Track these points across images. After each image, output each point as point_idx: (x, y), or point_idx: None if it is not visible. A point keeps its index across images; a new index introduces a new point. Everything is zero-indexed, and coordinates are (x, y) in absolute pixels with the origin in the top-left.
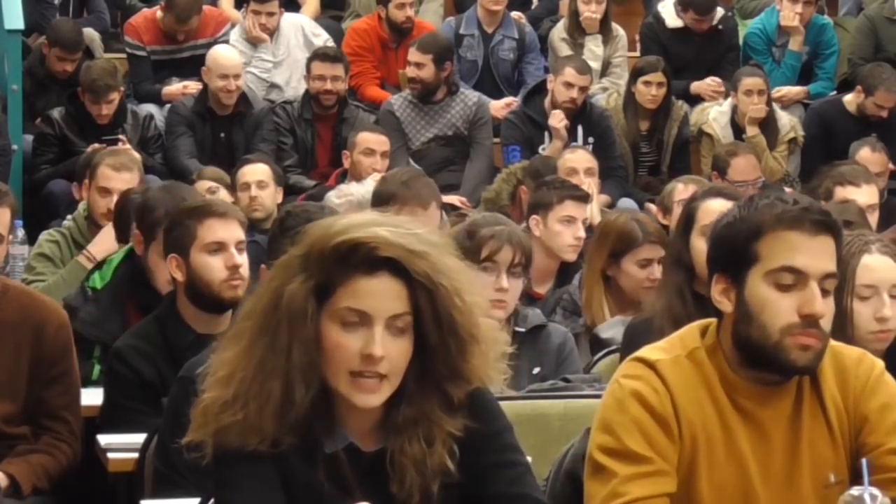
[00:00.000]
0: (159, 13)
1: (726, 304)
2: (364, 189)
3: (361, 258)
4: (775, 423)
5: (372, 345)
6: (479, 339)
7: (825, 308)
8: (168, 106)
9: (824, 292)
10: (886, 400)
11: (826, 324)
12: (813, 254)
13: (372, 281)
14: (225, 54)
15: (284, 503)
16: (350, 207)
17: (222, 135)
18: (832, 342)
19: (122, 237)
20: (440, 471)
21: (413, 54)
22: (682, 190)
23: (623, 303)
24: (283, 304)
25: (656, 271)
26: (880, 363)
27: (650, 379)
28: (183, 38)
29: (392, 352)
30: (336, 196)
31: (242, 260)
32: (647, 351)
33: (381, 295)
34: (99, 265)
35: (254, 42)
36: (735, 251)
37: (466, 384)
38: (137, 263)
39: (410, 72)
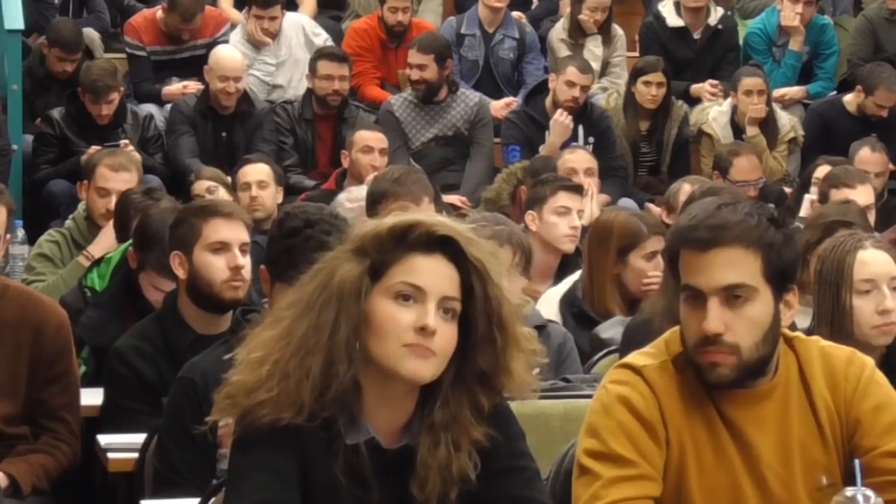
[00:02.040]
0: (160, 14)
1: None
2: None
3: (417, 237)
4: (759, 428)
5: (425, 317)
6: (521, 342)
7: (723, 323)
8: (168, 106)
9: (736, 300)
10: (879, 401)
11: (735, 337)
12: (704, 269)
13: (428, 260)
14: (227, 55)
15: (296, 496)
16: (362, 213)
17: (224, 134)
18: (821, 342)
19: (122, 237)
20: (461, 478)
21: (414, 56)
22: (688, 190)
23: (626, 300)
24: (334, 282)
25: (661, 263)
26: (871, 362)
27: (637, 384)
28: (187, 38)
29: (443, 333)
30: (348, 200)
31: (245, 262)
32: (634, 357)
33: (435, 273)
34: (97, 262)
35: (256, 45)
36: (671, 269)
37: (498, 392)
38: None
39: (413, 74)
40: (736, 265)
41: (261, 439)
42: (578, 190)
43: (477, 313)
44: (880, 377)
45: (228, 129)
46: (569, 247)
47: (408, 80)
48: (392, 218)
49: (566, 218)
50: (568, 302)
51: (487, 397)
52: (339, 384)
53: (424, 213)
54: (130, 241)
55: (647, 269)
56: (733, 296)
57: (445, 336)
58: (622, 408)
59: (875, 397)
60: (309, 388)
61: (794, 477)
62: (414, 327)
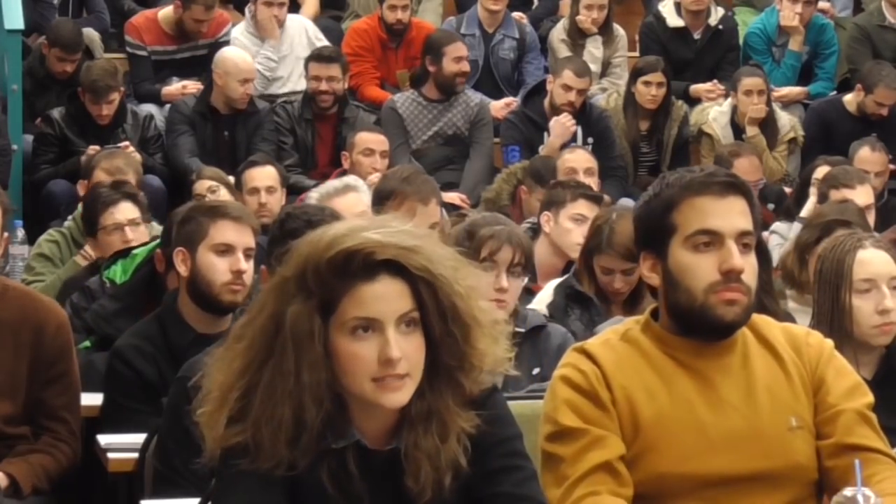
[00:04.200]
0: (162, 14)
1: (654, 279)
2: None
3: (358, 265)
4: (721, 373)
5: (388, 349)
6: (481, 322)
7: (743, 262)
8: (168, 105)
9: (744, 248)
10: (839, 368)
11: (749, 279)
12: (724, 214)
13: (374, 286)
14: (243, 57)
15: (283, 502)
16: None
17: (226, 133)
18: (780, 324)
19: (88, 230)
20: (452, 466)
21: (461, 49)
22: None
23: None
24: (286, 327)
25: (616, 282)
26: (829, 340)
27: (576, 362)
28: (205, 32)
29: (408, 350)
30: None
31: (247, 267)
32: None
33: (385, 298)
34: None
35: (261, 37)
36: (654, 226)
37: (478, 373)
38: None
39: (463, 66)
40: (746, 214)
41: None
42: (598, 200)
43: (431, 319)
44: (838, 354)
45: (230, 128)
46: (577, 255)
47: (454, 76)
48: (329, 247)
49: (582, 226)
50: (563, 285)
51: (469, 379)
52: (311, 430)
53: (361, 234)
54: (158, 241)
55: (602, 279)
56: (742, 243)
57: (412, 350)
58: (564, 386)
59: (836, 365)
60: (283, 439)
61: (760, 416)
62: (378, 360)
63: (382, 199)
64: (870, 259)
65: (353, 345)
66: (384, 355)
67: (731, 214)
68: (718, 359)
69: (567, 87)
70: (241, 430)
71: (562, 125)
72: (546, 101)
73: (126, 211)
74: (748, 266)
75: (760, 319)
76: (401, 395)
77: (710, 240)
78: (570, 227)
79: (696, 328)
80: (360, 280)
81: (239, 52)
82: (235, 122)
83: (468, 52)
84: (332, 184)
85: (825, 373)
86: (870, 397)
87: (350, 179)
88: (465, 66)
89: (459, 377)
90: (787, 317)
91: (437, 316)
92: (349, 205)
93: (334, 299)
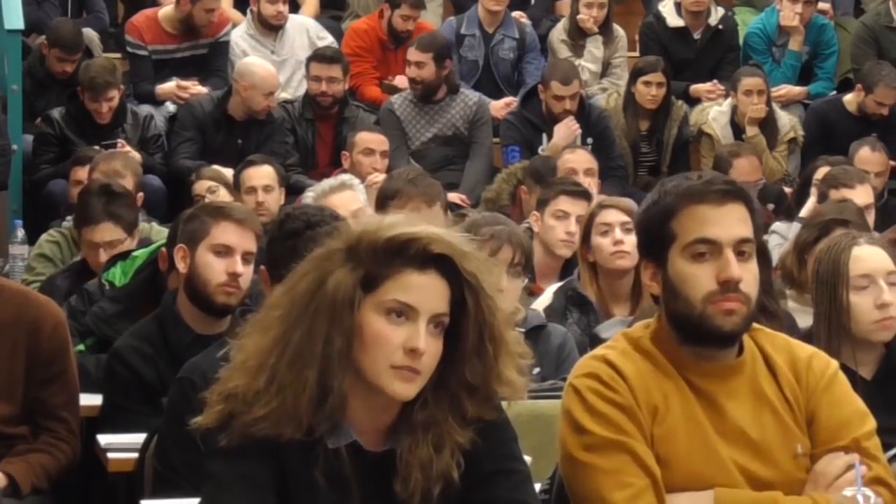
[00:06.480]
0: (163, 12)
1: (655, 287)
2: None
3: (414, 253)
4: (733, 399)
5: (416, 339)
6: (510, 347)
7: (741, 272)
8: (167, 105)
9: (742, 256)
10: (837, 398)
11: (748, 287)
12: (722, 222)
13: (422, 277)
14: (270, 70)
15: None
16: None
17: (239, 141)
18: (786, 338)
19: (77, 227)
20: (443, 477)
21: (413, 54)
22: None
23: (607, 282)
24: (326, 291)
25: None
26: (834, 362)
27: (599, 371)
28: (214, 22)
29: (430, 349)
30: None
31: (244, 270)
32: (595, 351)
33: (429, 291)
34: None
35: (261, 39)
36: (654, 235)
37: (492, 400)
38: (160, 271)
39: (411, 72)
40: (745, 221)
41: (241, 449)
42: (583, 195)
43: (469, 326)
44: (842, 378)
45: (243, 135)
46: (563, 251)
47: (410, 81)
48: (389, 228)
49: (563, 222)
50: (564, 287)
51: (478, 406)
52: (335, 397)
53: (421, 226)
54: (161, 242)
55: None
56: (740, 251)
57: (432, 352)
58: (595, 398)
59: (833, 395)
60: (306, 400)
61: (769, 444)
62: (404, 348)
63: (387, 198)
64: (865, 255)
65: (385, 326)
66: (411, 344)
67: (729, 222)
68: (727, 382)
69: (557, 97)
70: (266, 400)
71: (567, 128)
72: (544, 103)
73: (105, 233)
74: (748, 274)
75: (767, 340)
76: (410, 388)
77: (708, 249)
78: (553, 224)
79: (696, 337)
80: (411, 267)
81: (264, 64)
82: (249, 130)
83: (423, 57)
84: (328, 182)
85: (818, 405)
86: (865, 427)
87: (345, 177)
88: (413, 72)
89: (466, 401)
90: (787, 317)
91: (475, 325)
92: (344, 202)
93: (380, 277)
